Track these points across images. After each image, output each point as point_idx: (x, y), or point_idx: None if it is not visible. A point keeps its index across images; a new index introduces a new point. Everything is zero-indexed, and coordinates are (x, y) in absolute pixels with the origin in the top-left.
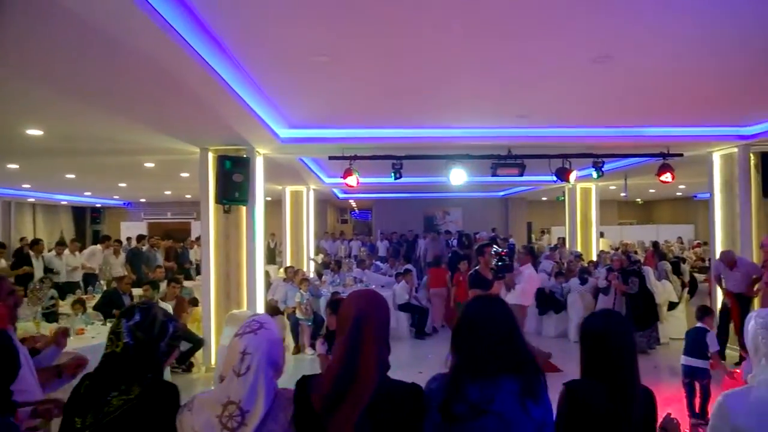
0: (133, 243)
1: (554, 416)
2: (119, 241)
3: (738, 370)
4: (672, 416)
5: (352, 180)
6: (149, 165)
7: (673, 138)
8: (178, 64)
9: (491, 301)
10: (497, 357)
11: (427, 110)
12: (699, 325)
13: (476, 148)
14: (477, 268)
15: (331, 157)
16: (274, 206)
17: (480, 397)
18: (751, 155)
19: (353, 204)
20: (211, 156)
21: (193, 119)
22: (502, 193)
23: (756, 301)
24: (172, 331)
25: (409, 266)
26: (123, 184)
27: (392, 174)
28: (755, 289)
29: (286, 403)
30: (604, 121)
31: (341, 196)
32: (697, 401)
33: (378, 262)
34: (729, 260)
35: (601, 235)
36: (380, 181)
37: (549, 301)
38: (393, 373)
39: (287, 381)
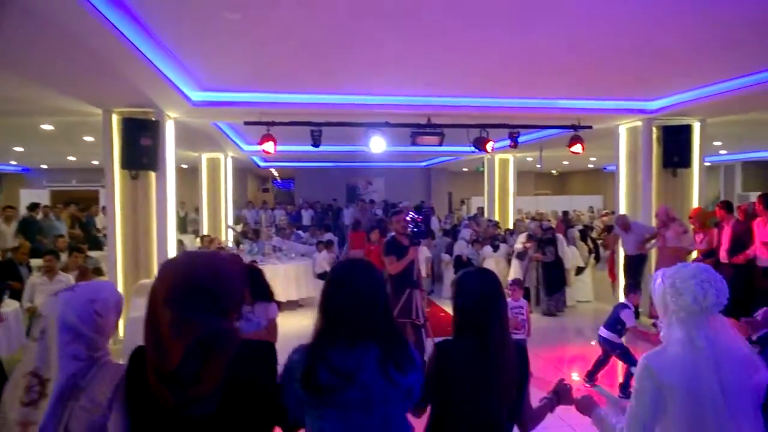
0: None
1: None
2: (12, 207)
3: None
4: (565, 381)
5: (269, 146)
6: (47, 127)
7: (584, 111)
8: (68, 15)
9: (359, 264)
10: (361, 322)
11: (346, 75)
12: (622, 300)
13: (396, 117)
14: (393, 234)
15: (246, 123)
16: (191, 174)
17: (344, 364)
18: (654, 129)
19: (275, 173)
20: (115, 118)
21: (92, 78)
22: (424, 164)
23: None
24: None
25: (329, 235)
26: (19, 149)
27: (312, 141)
28: (647, 246)
29: (113, 372)
30: (519, 93)
31: (262, 164)
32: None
33: (300, 231)
34: (623, 224)
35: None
36: (301, 149)
37: (466, 268)
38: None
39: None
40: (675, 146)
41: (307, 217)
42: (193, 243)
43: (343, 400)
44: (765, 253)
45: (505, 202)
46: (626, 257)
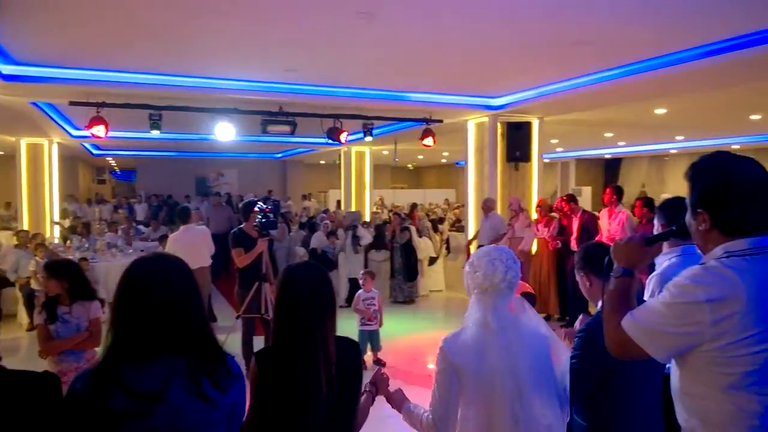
0: None
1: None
2: None
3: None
4: (382, 372)
5: (99, 131)
6: None
7: (435, 105)
8: None
9: (162, 261)
10: (166, 332)
11: (189, 54)
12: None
13: (246, 103)
14: (241, 226)
15: (72, 103)
16: (6, 162)
17: (144, 384)
18: (499, 124)
19: (112, 163)
20: None
21: None
22: (280, 155)
23: None
24: None
25: (165, 230)
26: None
27: (150, 126)
28: (500, 243)
29: None
30: (373, 84)
31: (96, 152)
32: None
33: (140, 226)
34: (486, 206)
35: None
36: (143, 136)
37: (322, 261)
38: None
39: None
40: (517, 142)
41: (140, 211)
42: (9, 241)
43: (143, 427)
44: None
45: (361, 195)
46: (478, 248)
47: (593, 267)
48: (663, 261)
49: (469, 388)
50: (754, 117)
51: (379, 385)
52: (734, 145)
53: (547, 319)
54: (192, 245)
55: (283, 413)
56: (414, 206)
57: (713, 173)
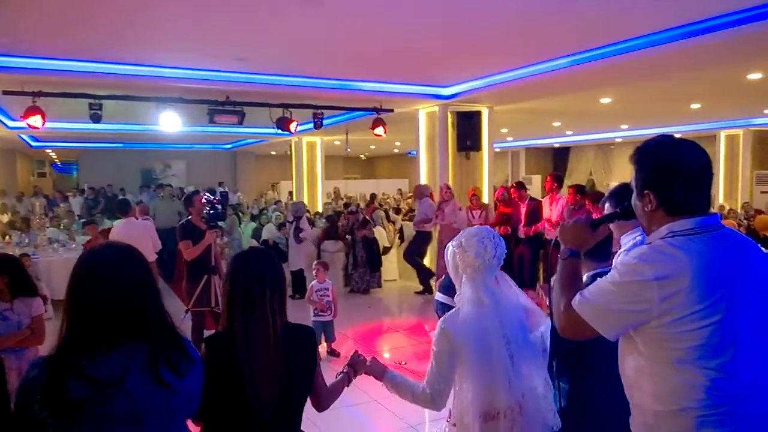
0: None
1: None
2: None
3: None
4: (359, 353)
5: (35, 121)
6: None
7: (385, 94)
8: None
9: (115, 249)
10: (121, 317)
11: (130, 42)
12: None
13: (191, 92)
14: (189, 218)
15: (5, 92)
16: None
17: (103, 370)
18: (449, 114)
19: (52, 154)
20: None
21: None
22: (229, 146)
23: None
24: None
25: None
26: None
27: (90, 117)
28: (425, 226)
29: None
30: (322, 73)
31: (35, 144)
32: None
33: (83, 220)
34: (418, 193)
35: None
36: (84, 127)
37: (274, 252)
38: None
39: None
40: (467, 131)
41: (76, 205)
42: None
43: (103, 414)
44: (551, 229)
45: (313, 185)
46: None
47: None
48: (628, 241)
49: (469, 364)
50: (695, 106)
51: (357, 367)
52: (676, 133)
53: None
54: (134, 239)
55: (232, 396)
56: (372, 197)
57: (659, 155)
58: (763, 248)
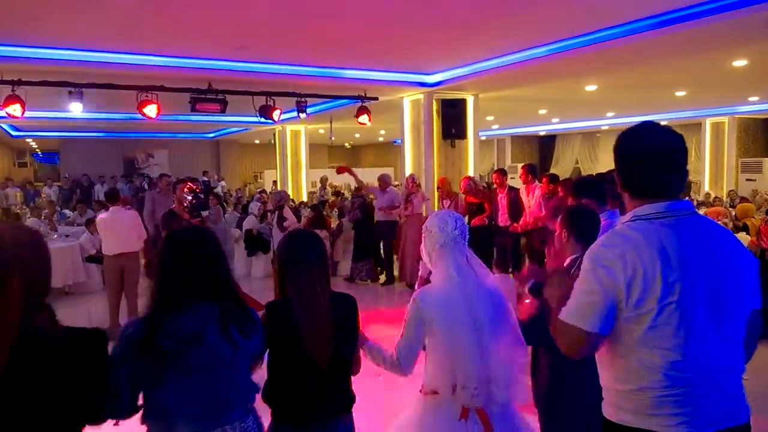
0: None
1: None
2: None
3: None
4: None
5: (15, 110)
6: None
7: (370, 82)
8: None
9: (193, 227)
10: (199, 283)
11: (110, 28)
12: None
13: (173, 80)
14: (172, 207)
15: None
16: None
17: (185, 327)
18: (434, 102)
19: (33, 144)
20: None
21: None
22: (212, 135)
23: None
24: None
25: (91, 214)
26: None
27: (71, 106)
28: (393, 212)
29: None
30: (306, 61)
31: (15, 134)
32: None
33: (65, 211)
34: (382, 182)
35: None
36: (65, 116)
37: (257, 243)
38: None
39: None
40: (452, 119)
41: (52, 195)
42: None
43: (188, 365)
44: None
45: (298, 174)
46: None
47: (576, 230)
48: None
49: (439, 336)
50: (680, 93)
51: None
52: (662, 121)
53: None
54: (120, 227)
55: (293, 352)
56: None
57: (625, 139)
58: (747, 235)
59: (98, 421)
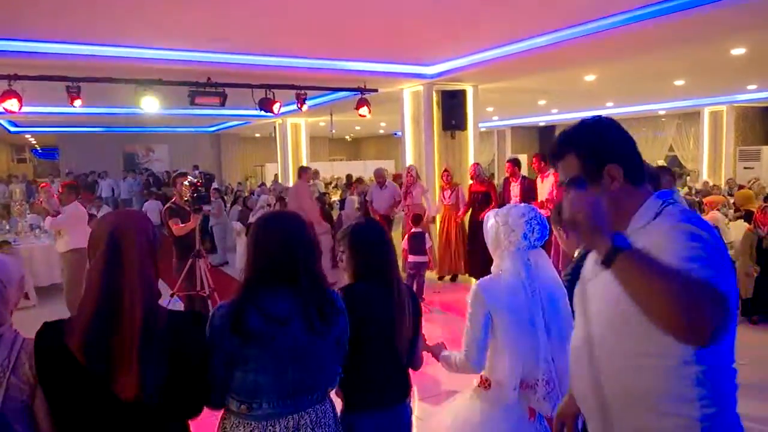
0: None
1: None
2: None
3: None
4: (442, 342)
5: (12, 105)
6: None
7: (369, 74)
8: None
9: (286, 213)
10: (287, 267)
11: (107, 23)
12: (415, 230)
13: (171, 74)
14: (174, 200)
15: None
16: None
17: (275, 308)
18: (434, 93)
19: (32, 140)
20: None
21: None
22: (213, 128)
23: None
24: None
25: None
26: None
27: (69, 100)
28: (395, 210)
29: (30, 353)
30: (305, 53)
31: (13, 129)
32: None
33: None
34: (379, 177)
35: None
36: (64, 111)
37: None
38: None
39: None
40: (452, 110)
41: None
42: None
43: (275, 348)
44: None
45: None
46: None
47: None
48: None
49: (506, 333)
50: (679, 82)
51: (435, 351)
52: (661, 110)
53: (454, 278)
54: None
55: (374, 337)
56: (349, 177)
57: (610, 128)
58: (747, 224)
59: (199, 409)
